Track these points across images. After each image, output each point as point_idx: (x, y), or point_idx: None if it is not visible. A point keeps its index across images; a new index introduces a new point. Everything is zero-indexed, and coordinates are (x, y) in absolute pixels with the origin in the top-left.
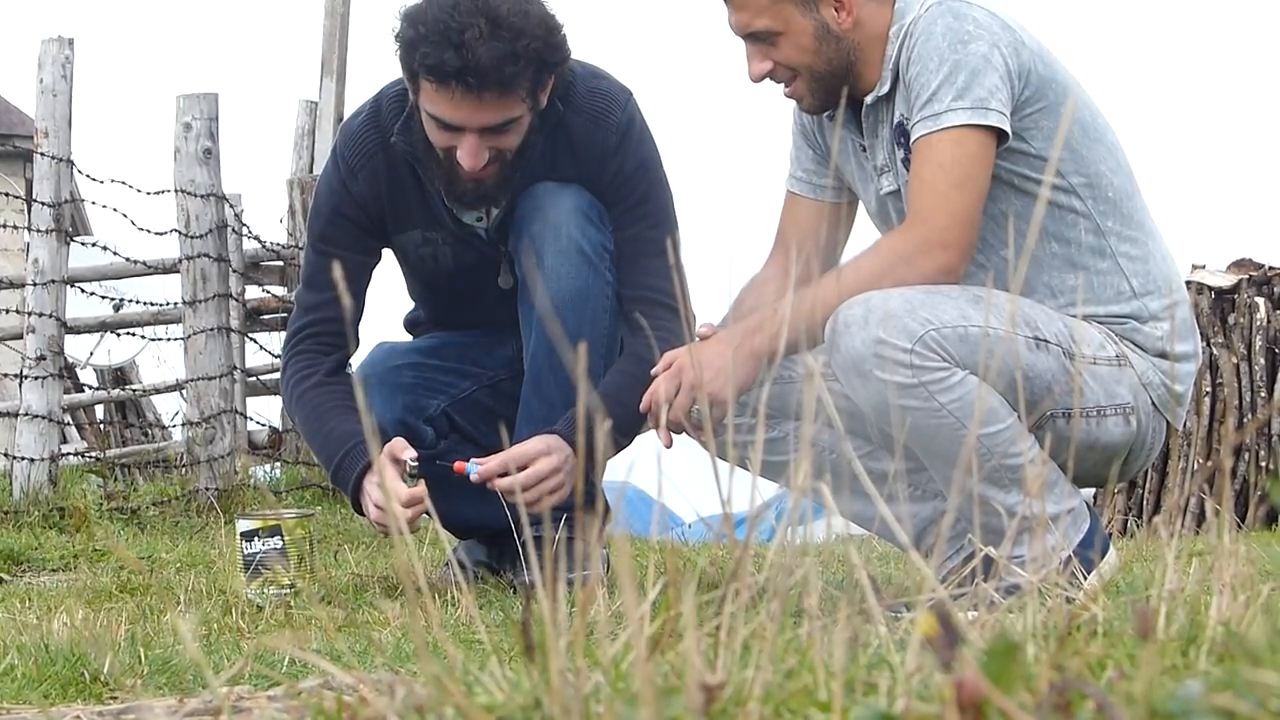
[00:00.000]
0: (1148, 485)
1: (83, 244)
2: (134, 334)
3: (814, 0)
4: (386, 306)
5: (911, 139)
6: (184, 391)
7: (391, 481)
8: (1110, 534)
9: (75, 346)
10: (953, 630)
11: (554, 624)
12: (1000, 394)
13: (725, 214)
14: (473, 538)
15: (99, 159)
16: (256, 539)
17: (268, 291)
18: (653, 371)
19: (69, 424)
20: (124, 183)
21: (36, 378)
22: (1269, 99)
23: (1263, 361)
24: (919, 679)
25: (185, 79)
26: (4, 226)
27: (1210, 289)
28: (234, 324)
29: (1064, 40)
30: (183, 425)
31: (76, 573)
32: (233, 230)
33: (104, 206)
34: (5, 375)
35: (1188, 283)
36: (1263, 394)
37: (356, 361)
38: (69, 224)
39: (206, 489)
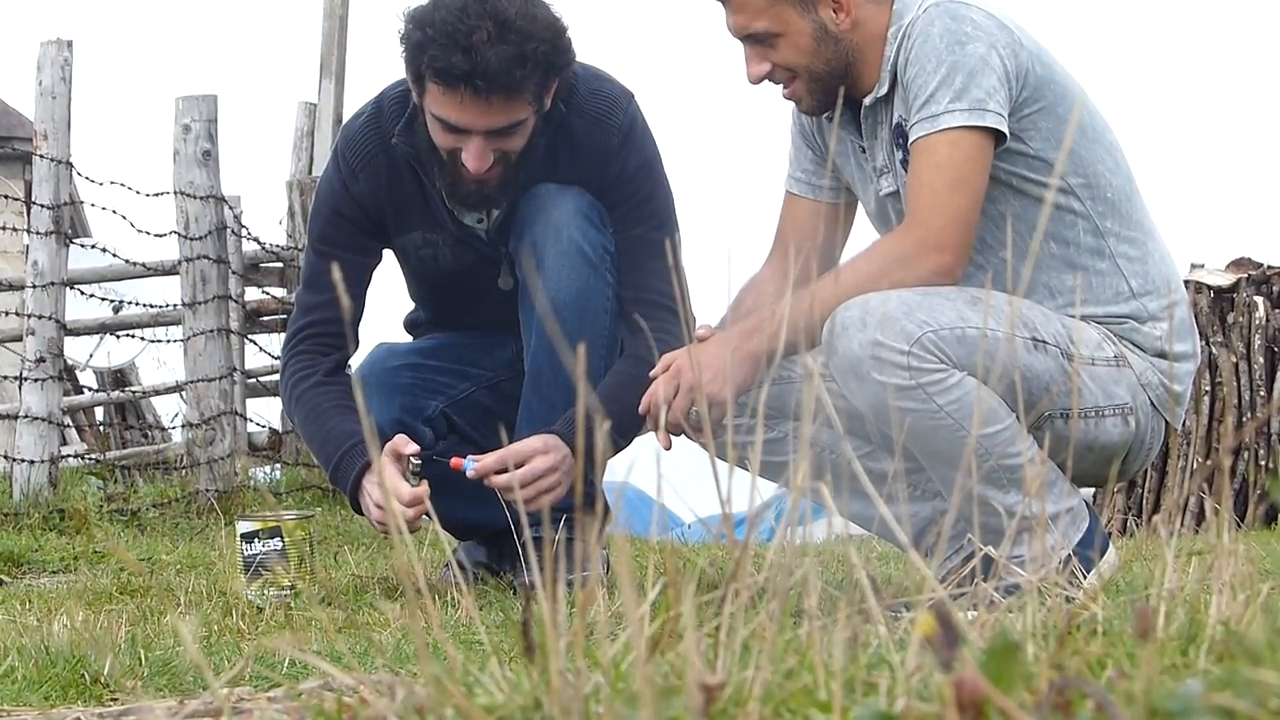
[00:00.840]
0: (1147, 484)
1: (82, 246)
2: (134, 336)
3: (812, 1)
4: (386, 307)
5: (909, 140)
6: (184, 393)
7: (392, 480)
8: (1110, 533)
9: (75, 348)
10: (952, 630)
11: (554, 625)
12: (998, 395)
13: (725, 214)
14: (472, 539)
15: (98, 161)
16: (256, 540)
17: (267, 293)
18: (651, 373)
19: (69, 426)
20: (123, 185)
21: (36, 380)
22: (1269, 99)
23: (1262, 360)
24: (919, 679)
25: (184, 81)
26: (3, 229)
27: (1209, 288)
28: (233, 326)
29: (1063, 40)
30: (182, 427)
31: (76, 574)
32: (232, 232)
33: (103, 208)
34: (5, 377)
35: (1186, 282)
36: (1262, 393)
37: (355, 362)
38: (68, 226)
39: (206, 490)
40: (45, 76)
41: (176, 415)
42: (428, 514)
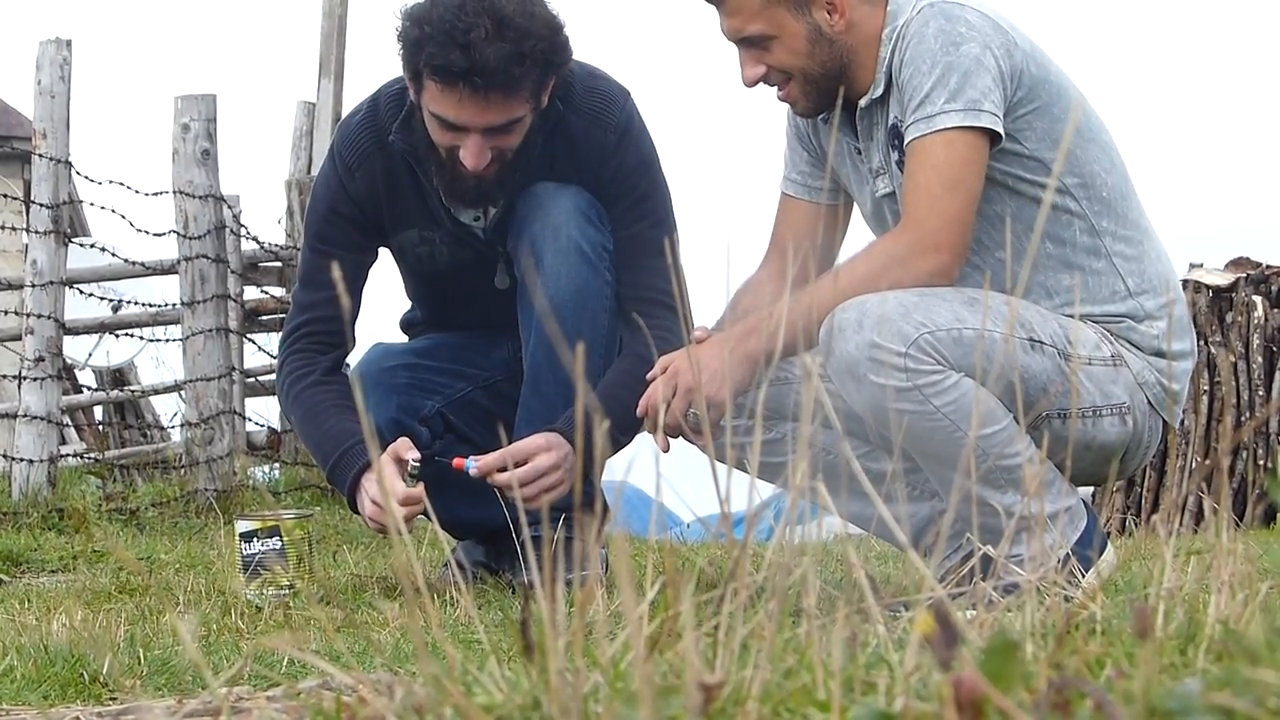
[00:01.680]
0: (1146, 484)
1: (81, 245)
2: (132, 335)
3: (806, 3)
4: (383, 307)
5: (905, 141)
6: (183, 392)
7: (390, 480)
8: (1108, 532)
9: (74, 348)
10: (951, 629)
11: (552, 624)
12: (996, 396)
13: (722, 214)
14: (471, 538)
15: (97, 160)
16: (255, 540)
17: (266, 292)
18: (649, 375)
19: (68, 425)
20: (122, 184)
21: (35, 379)
22: (1268, 99)
23: (1260, 360)
24: (917, 678)
25: (183, 80)
26: (2, 228)
27: (1208, 287)
28: (232, 325)
29: (1059, 40)
30: (181, 426)
31: (75, 574)
32: (231, 231)
33: (102, 208)
34: (4, 376)
35: (1185, 281)
36: (1260, 392)
37: (352, 362)
38: (67, 225)
39: (205, 490)
40: (44, 76)
41: (175, 414)
42: (425, 514)
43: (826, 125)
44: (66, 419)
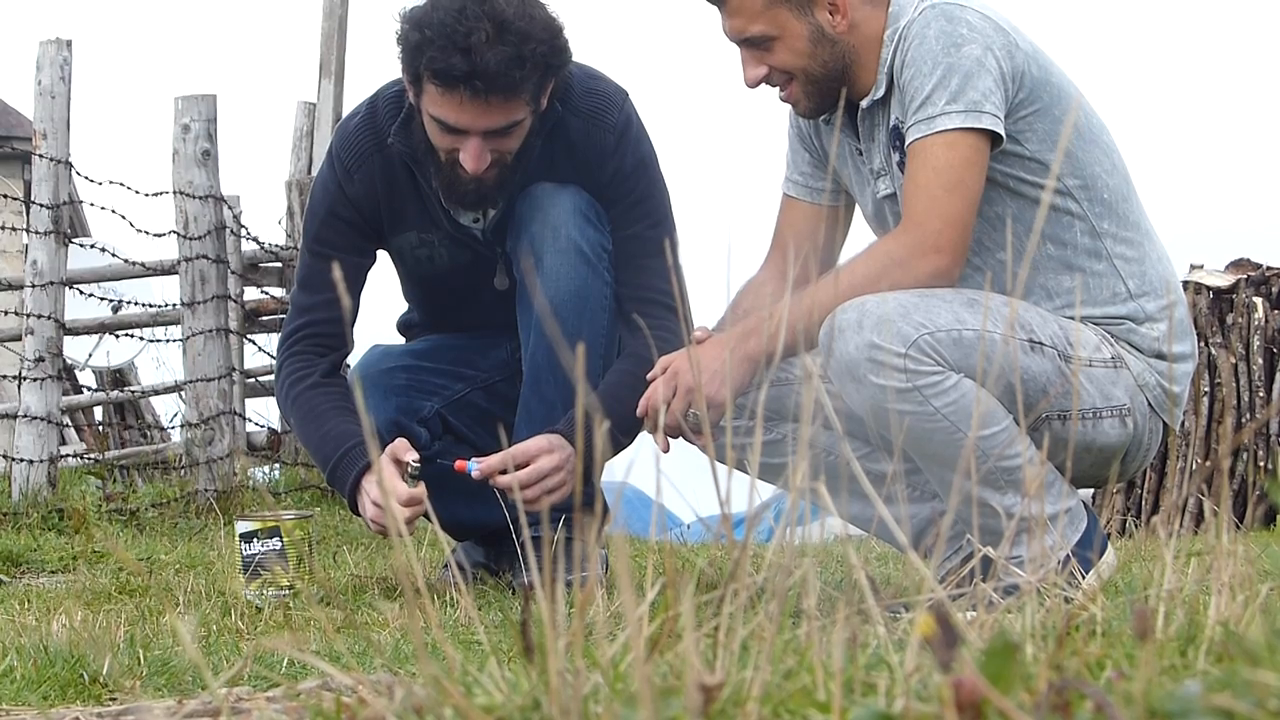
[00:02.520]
0: (1146, 485)
1: (81, 245)
2: (133, 335)
3: (808, 4)
4: (381, 309)
5: (906, 142)
6: (183, 393)
7: (391, 481)
8: (1108, 534)
9: (74, 348)
10: (951, 630)
11: (553, 625)
12: (995, 397)
13: (722, 214)
14: (471, 539)
15: (97, 161)
16: (255, 540)
17: (266, 293)
18: (649, 376)
19: (68, 425)
20: (122, 184)
21: (35, 379)
22: (1268, 99)
23: (1261, 361)
24: (918, 679)
25: (183, 80)
26: (2, 228)
27: (1208, 289)
28: (233, 325)
29: (1060, 41)
30: (181, 427)
31: (75, 574)
32: (231, 232)
33: (102, 208)
34: (4, 377)
35: (1185, 283)
36: (1261, 394)
37: (351, 364)
38: (67, 226)
39: (205, 490)
40: (44, 76)
41: (175, 415)
42: (426, 515)
43: (828, 126)
44: (66, 419)
